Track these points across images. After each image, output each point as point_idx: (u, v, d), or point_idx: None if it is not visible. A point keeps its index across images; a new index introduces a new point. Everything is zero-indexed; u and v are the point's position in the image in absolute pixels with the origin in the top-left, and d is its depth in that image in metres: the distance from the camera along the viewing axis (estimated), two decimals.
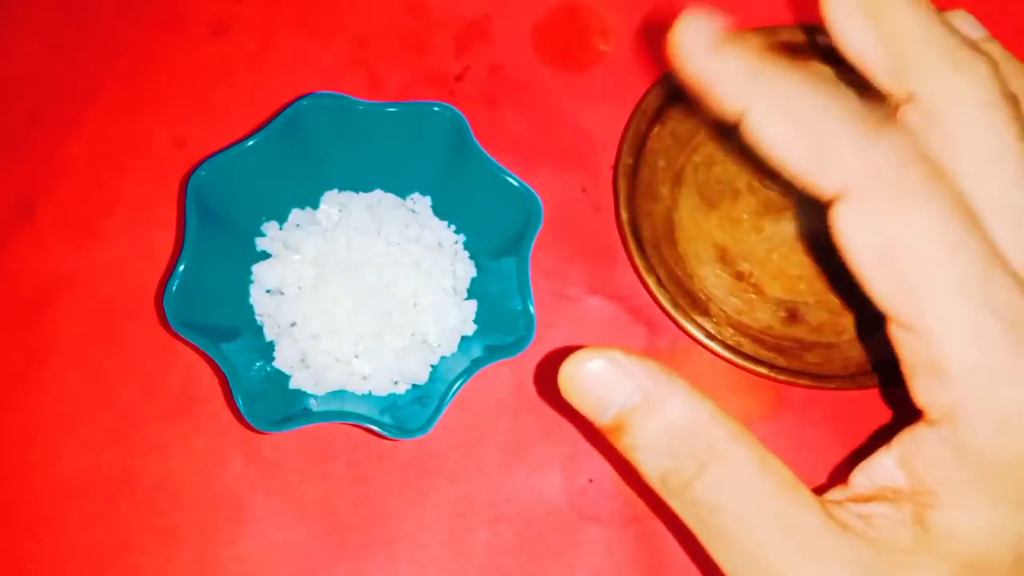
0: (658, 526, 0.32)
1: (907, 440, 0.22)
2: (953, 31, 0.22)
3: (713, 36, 0.21)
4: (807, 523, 0.20)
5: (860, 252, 0.20)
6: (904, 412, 0.22)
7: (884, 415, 0.33)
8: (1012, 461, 0.20)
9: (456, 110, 0.31)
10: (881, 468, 0.22)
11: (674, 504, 0.22)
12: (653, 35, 0.38)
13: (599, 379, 0.21)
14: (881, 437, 0.23)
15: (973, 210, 0.20)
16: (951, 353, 0.20)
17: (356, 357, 0.32)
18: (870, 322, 0.33)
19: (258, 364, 0.32)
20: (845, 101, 0.20)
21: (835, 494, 0.23)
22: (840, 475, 0.25)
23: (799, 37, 0.36)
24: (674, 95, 0.35)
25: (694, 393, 0.21)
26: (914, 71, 0.22)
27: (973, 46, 0.22)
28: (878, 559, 0.20)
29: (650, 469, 0.22)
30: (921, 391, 0.21)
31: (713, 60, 0.21)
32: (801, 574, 0.20)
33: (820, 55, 0.36)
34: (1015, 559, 0.20)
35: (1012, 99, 0.22)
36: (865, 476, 0.23)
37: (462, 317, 0.33)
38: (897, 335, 0.21)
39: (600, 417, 0.22)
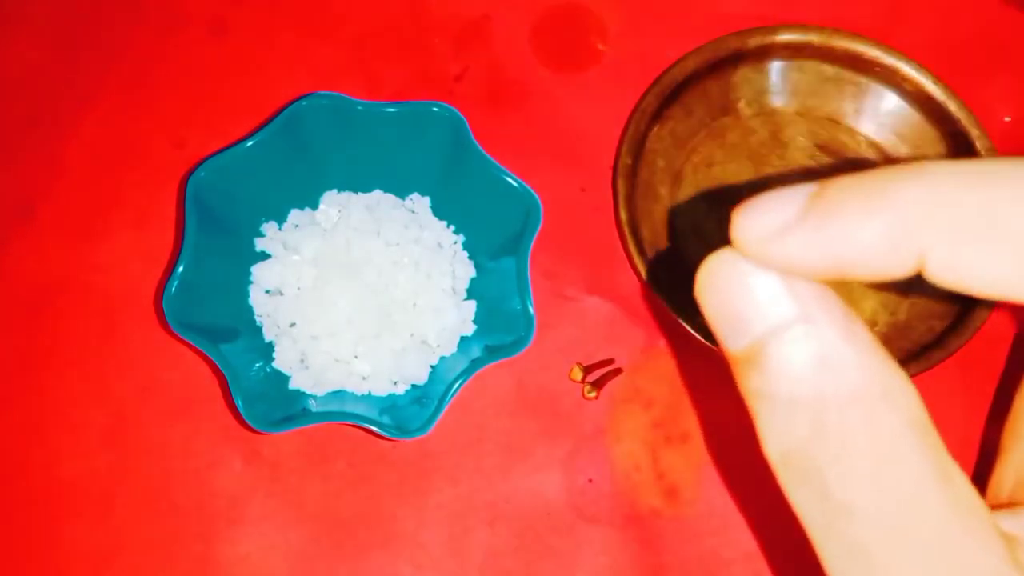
0: (658, 526, 0.32)
1: None
2: None
3: (800, 207, 0.15)
4: (980, 563, 0.15)
5: None
6: None
7: None
8: None
9: (455, 110, 0.31)
10: None
11: (791, 491, 0.16)
12: (652, 35, 0.38)
13: (754, 291, 0.15)
14: None
15: None
16: None
17: (356, 357, 0.32)
18: (870, 321, 0.33)
19: (257, 365, 0.32)
20: None
21: (1019, 529, 0.16)
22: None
23: (800, 37, 0.36)
24: (673, 95, 0.35)
25: (877, 349, 0.15)
26: None
27: None
28: None
29: (775, 434, 0.16)
30: None
31: (823, 229, 0.14)
32: None
33: (819, 56, 0.36)
34: None
35: None
36: None
37: (461, 317, 0.33)
38: None
39: (734, 338, 0.15)
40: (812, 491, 0.15)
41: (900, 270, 0.14)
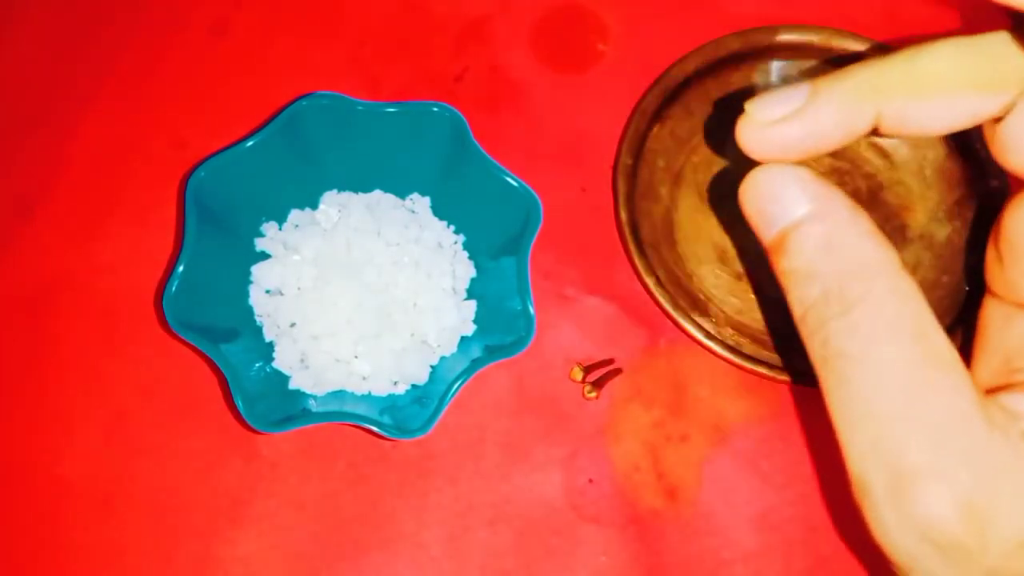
0: (658, 526, 0.32)
1: None
2: None
3: (802, 98, 0.20)
4: (946, 402, 0.18)
5: None
6: None
7: None
8: None
9: (455, 110, 0.31)
10: None
11: (807, 341, 0.20)
12: (652, 35, 0.38)
13: (780, 192, 0.20)
14: None
15: None
16: None
17: (356, 357, 0.32)
18: None
19: (258, 365, 0.32)
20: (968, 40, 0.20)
21: (1010, 399, 0.20)
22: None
23: (800, 37, 0.36)
24: (673, 95, 0.35)
25: (872, 233, 0.19)
26: None
27: None
28: (1019, 474, 0.18)
29: (796, 299, 0.20)
30: None
31: (812, 111, 0.20)
32: (912, 446, 0.18)
33: (818, 55, 0.36)
34: None
35: None
36: None
37: (461, 317, 0.33)
38: None
39: (766, 231, 0.20)
40: (819, 339, 0.19)
41: (863, 128, 0.20)
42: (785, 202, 0.20)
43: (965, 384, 0.18)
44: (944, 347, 0.19)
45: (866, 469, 0.18)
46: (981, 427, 0.18)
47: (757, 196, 0.20)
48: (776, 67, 0.36)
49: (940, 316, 0.32)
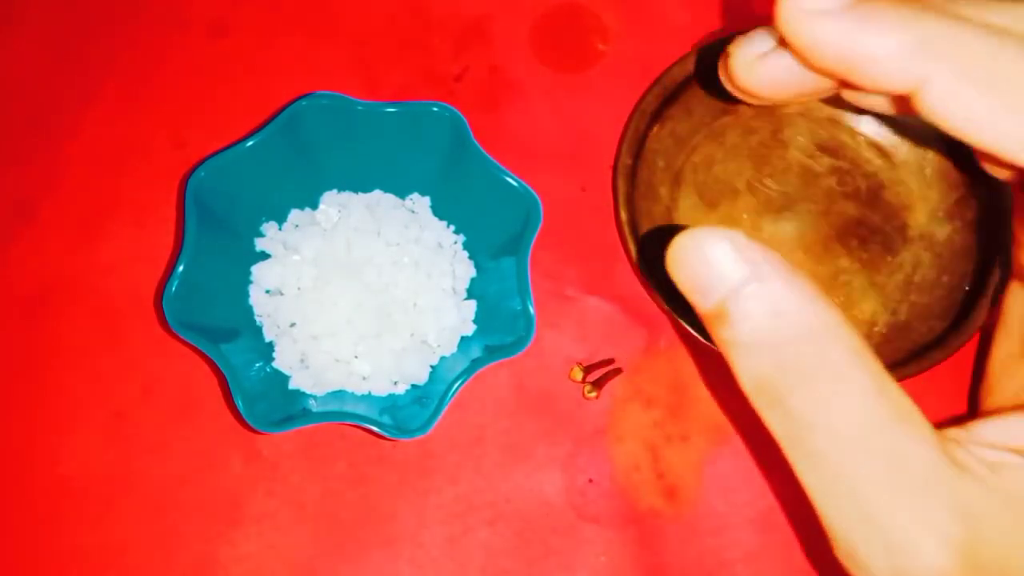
0: (658, 526, 0.32)
1: None
2: None
3: None
4: (916, 455, 0.18)
5: None
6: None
7: None
8: None
9: (455, 110, 0.31)
10: (1020, 426, 0.20)
11: (765, 415, 0.19)
12: (652, 35, 0.38)
13: (713, 259, 0.18)
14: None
15: None
16: None
17: (356, 357, 0.32)
18: (871, 321, 0.33)
19: (258, 365, 0.32)
20: None
21: (958, 433, 0.20)
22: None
23: None
24: (673, 95, 0.35)
25: (816, 295, 0.18)
26: None
27: None
28: (996, 507, 0.18)
29: (747, 370, 0.19)
30: None
31: (858, 25, 0.17)
32: (898, 507, 0.18)
33: None
34: None
35: None
36: (998, 431, 0.20)
37: (461, 317, 0.33)
38: None
39: (703, 301, 0.19)
40: (779, 413, 0.18)
41: (899, 85, 0.17)
42: (721, 268, 0.18)
43: (928, 433, 0.18)
44: (902, 398, 0.18)
45: (857, 540, 0.18)
46: (953, 473, 0.18)
47: (688, 262, 0.19)
48: None
49: (940, 316, 0.32)
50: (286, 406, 0.31)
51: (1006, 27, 0.17)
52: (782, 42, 0.19)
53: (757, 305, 0.18)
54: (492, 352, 0.31)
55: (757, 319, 0.18)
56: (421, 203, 0.34)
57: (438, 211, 0.34)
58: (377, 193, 0.34)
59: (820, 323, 0.18)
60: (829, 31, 0.17)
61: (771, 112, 0.36)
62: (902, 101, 0.18)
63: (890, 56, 0.17)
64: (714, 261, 0.18)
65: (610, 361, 0.34)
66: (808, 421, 0.18)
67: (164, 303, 0.29)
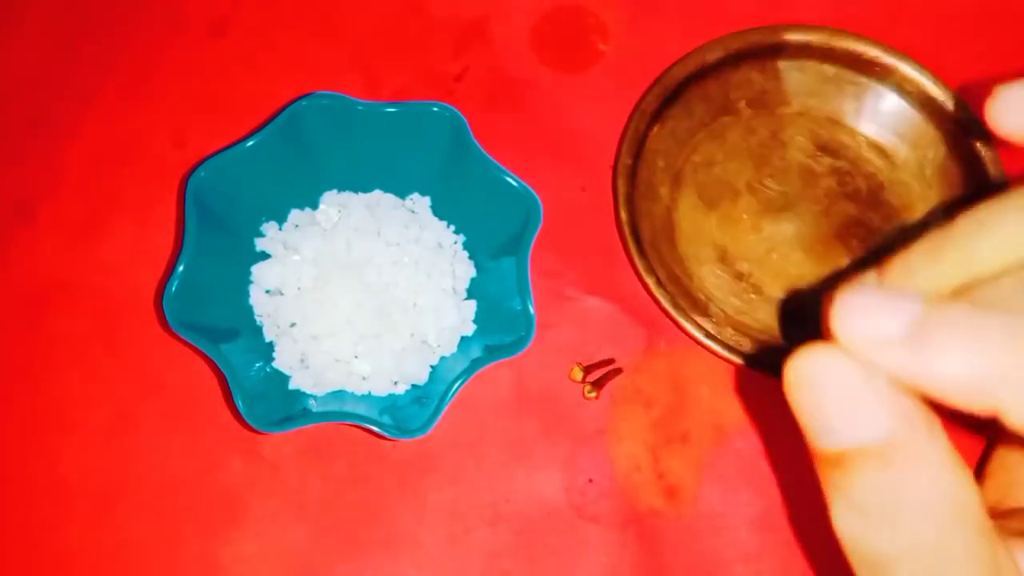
0: (658, 526, 0.32)
1: None
2: None
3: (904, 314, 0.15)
4: None
5: None
6: None
7: None
8: None
9: (455, 110, 0.31)
10: None
11: (859, 571, 0.17)
12: (652, 35, 0.38)
13: (843, 395, 0.15)
14: None
15: None
16: None
17: (356, 357, 0.32)
18: None
19: (258, 365, 0.32)
20: None
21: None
22: None
23: (800, 37, 0.36)
24: (673, 95, 0.35)
25: (956, 467, 0.16)
26: None
27: None
28: None
29: (848, 534, 0.16)
30: None
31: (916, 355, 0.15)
32: None
33: (819, 56, 0.36)
34: None
35: None
36: None
37: (461, 317, 0.33)
38: None
39: (819, 439, 0.16)
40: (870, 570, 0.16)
41: (980, 410, 0.15)
42: (855, 414, 0.15)
43: None
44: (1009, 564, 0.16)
45: None
46: None
47: (816, 389, 0.16)
48: (776, 67, 0.36)
49: None
50: (286, 406, 0.31)
51: None
52: None
53: (885, 477, 0.15)
54: (492, 352, 0.31)
55: (880, 489, 0.16)
56: (421, 203, 0.34)
57: (438, 211, 0.34)
58: (377, 193, 0.34)
59: (949, 499, 0.15)
60: (898, 362, 0.15)
61: (771, 112, 0.36)
62: None
63: (961, 391, 0.15)
64: (850, 401, 0.15)
65: (610, 361, 0.34)
66: None
67: (164, 303, 0.29)
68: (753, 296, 0.34)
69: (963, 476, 0.16)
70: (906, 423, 0.15)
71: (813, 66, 0.36)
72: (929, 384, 0.15)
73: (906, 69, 0.35)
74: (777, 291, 0.34)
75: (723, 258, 0.35)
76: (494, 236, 0.33)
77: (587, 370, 0.33)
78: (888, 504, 0.16)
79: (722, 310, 0.34)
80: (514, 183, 0.31)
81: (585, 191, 0.36)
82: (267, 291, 0.32)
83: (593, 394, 0.33)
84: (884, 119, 0.36)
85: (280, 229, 0.33)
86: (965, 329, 0.15)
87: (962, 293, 0.17)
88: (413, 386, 0.32)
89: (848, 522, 0.16)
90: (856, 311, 0.15)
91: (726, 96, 0.36)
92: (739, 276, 0.34)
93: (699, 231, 0.35)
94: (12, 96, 0.37)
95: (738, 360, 0.32)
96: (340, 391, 0.32)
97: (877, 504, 0.16)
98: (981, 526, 0.16)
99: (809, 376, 0.16)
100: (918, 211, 0.35)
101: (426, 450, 0.33)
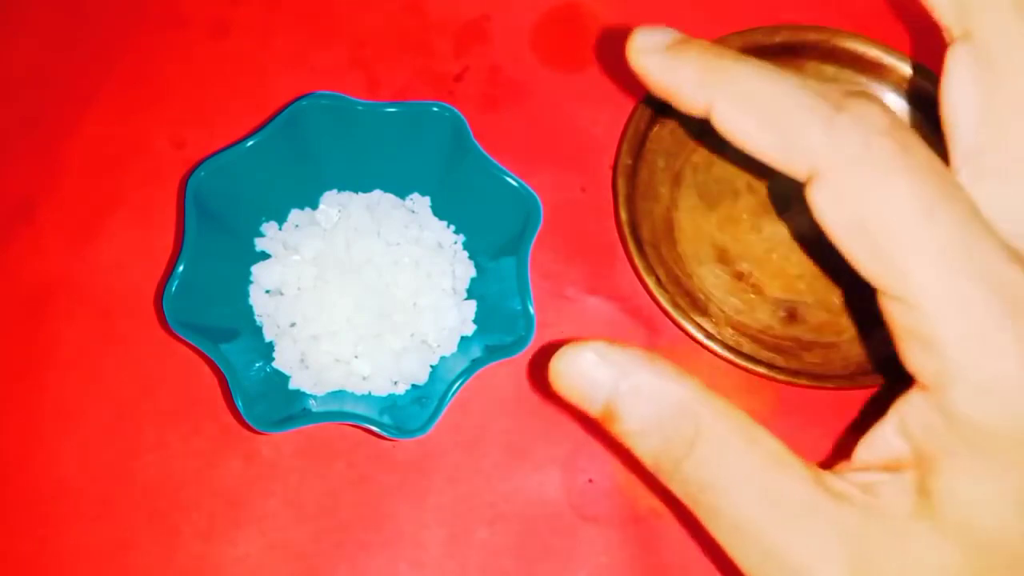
0: (658, 526, 0.32)
1: (904, 407, 0.22)
2: None
3: (667, 41, 0.23)
4: (793, 493, 0.21)
5: (838, 228, 0.21)
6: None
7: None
8: (998, 428, 0.20)
9: (455, 110, 0.31)
10: (882, 438, 0.22)
11: (670, 485, 0.22)
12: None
13: (586, 371, 0.22)
14: (879, 411, 0.23)
15: (952, 179, 0.21)
16: (936, 322, 0.20)
17: (356, 357, 0.32)
18: (870, 321, 0.33)
19: (257, 365, 0.32)
20: (805, 85, 0.21)
21: (839, 467, 0.23)
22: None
23: (799, 37, 0.36)
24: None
25: (679, 374, 0.22)
26: (977, 9, 0.22)
27: None
28: (872, 526, 0.20)
29: (644, 452, 0.22)
30: (911, 359, 0.21)
31: (671, 63, 0.22)
32: (790, 541, 0.20)
33: (819, 56, 0.36)
34: (1015, 524, 0.20)
35: None
36: (867, 449, 0.23)
37: (462, 317, 0.33)
38: (884, 305, 0.21)
39: (592, 407, 0.22)
40: (678, 482, 0.22)
41: (697, 109, 0.22)
42: (594, 377, 0.21)
43: (801, 471, 0.21)
44: (772, 442, 0.21)
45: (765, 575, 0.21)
46: (830, 501, 0.21)
47: (568, 380, 0.22)
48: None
49: None
50: (286, 406, 0.31)
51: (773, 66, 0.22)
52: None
53: (632, 398, 0.21)
54: (492, 352, 0.31)
55: (638, 409, 0.21)
56: (421, 203, 0.34)
57: (438, 211, 0.34)
58: (377, 193, 0.34)
59: (683, 396, 0.21)
60: (651, 65, 0.23)
61: None
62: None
63: (685, 87, 0.22)
64: (587, 372, 0.21)
65: None
66: (700, 482, 0.21)
67: (164, 303, 0.29)
68: (753, 296, 0.34)
69: (687, 376, 0.22)
70: (632, 363, 0.21)
71: (813, 66, 0.36)
72: (669, 85, 0.22)
73: (906, 69, 0.35)
74: (777, 291, 0.34)
75: (723, 258, 0.35)
76: (494, 236, 0.33)
77: None
78: (650, 418, 0.21)
79: (722, 310, 0.34)
80: (514, 183, 0.31)
81: (585, 191, 0.36)
82: (267, 291, 0.32)
83: None
84: None
85: (280, 229, 0.33)
86: (696, 49, 0.22)
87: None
88: (413, 386, 0.32)
89: (644, 450, 0.22)
90: (640, 33, 0.23)
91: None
92: (739, 276, 0.34)
93: (699, 231, 0.35)
94: (12, 95, 0.37)
95: (738, 360, 0.32)
96: (340, 391, 0.32)
97: (645, 422, 0.22)
98: (717, 406, 0.21)
99: (558, 375, 0.22)
100: None
101: (426, 450, 0.33)
